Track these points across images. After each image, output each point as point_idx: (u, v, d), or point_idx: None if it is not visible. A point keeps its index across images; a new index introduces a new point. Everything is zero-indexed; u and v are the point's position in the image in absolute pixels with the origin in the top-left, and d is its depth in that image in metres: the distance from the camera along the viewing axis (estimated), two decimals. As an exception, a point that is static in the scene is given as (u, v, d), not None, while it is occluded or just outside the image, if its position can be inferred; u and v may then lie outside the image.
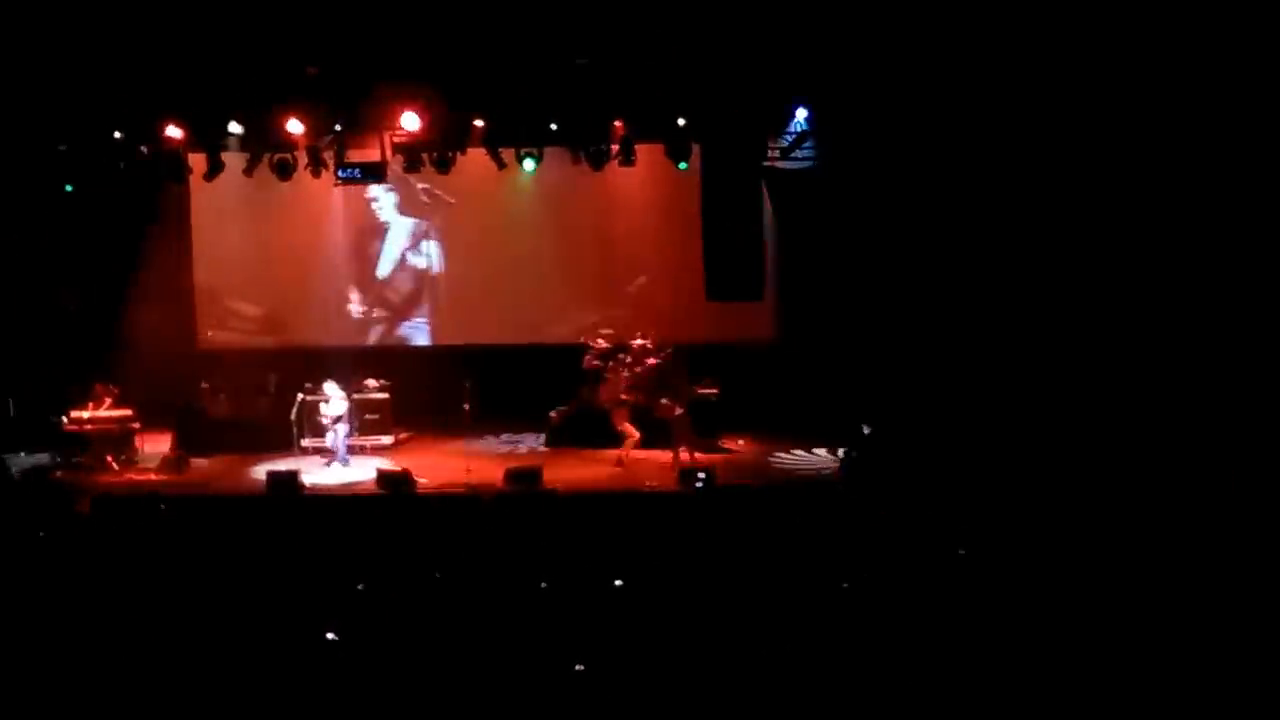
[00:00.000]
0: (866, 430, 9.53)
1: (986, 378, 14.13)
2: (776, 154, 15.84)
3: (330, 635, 8.28)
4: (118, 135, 15.19)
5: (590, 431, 16.25)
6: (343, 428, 15.59)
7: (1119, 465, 12.14)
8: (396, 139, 15.46)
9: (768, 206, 16.27)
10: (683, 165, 15.63)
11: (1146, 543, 9.81)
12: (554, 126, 15.23)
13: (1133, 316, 13.22)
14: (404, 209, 18.31)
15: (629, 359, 16.62)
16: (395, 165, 15.96)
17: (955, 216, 14.50)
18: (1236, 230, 12.43)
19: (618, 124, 15.11)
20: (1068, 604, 8.20)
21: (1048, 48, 12.97)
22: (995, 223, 14.20)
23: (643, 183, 17.20)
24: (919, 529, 10.67)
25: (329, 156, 15.63)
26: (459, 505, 12.89)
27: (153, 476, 15.05)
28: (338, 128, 15.26)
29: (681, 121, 14.88)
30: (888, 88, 13.96)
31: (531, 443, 16.65)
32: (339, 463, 15.35)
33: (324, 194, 17.41)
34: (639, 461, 15.23)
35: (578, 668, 7.31)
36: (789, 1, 13.04)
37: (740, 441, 16.31)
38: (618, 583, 8.75)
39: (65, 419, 15.30)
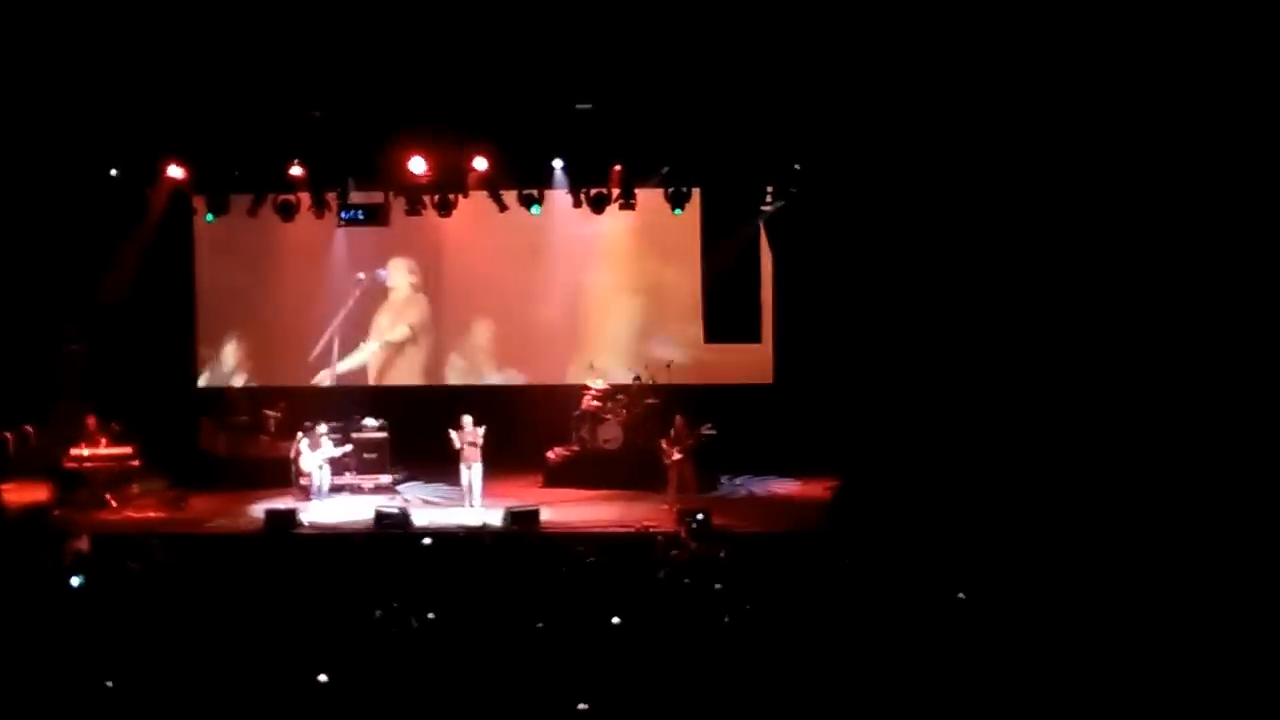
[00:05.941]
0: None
1: (983, 419, 14.20)
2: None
3: (322, 677, 8.23)
4: (114, 172, 15.30)
5: (588, 472, 16.29)
6: (326, 469, 15.63)
7: (1114, 509, 12.18)
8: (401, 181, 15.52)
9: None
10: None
11: (1147, 583, 9.82)
12: (556, 168, 15.40)
13: (1121, 354, 13.36)
14: (403, 251, 18.43)
15: (627, 400, 16.70)
16: (398, 207, 16.06)
17: (948, 259, 14.64)
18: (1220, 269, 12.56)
19: (618, 168, 15.25)
20: (1069, 646, 8.21)
21: (1040, 105, 13.21)
22: (986, 262, 14.34)
23: (641, 225, 17.41)
24: (917, 572, 10.67)
25: (332, 198, 15.72)
26: (457, 545, 12.92)
27: (151, 514, 15.06)
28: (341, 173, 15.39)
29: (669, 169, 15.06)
30: (882, 137, 14.15)
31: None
32: (315, 499, 15.35)
33: (326, 233, 17.55)
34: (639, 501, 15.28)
35: (581, 707, 7.31)
36: (788, 58, 13.26)
37: (738, 482, 16.37)
38: (614, 620, 8.78)
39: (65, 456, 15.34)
